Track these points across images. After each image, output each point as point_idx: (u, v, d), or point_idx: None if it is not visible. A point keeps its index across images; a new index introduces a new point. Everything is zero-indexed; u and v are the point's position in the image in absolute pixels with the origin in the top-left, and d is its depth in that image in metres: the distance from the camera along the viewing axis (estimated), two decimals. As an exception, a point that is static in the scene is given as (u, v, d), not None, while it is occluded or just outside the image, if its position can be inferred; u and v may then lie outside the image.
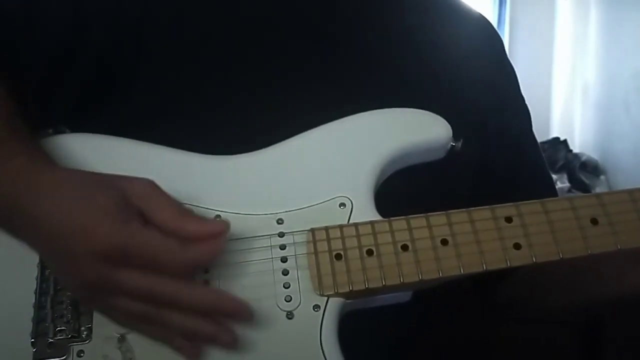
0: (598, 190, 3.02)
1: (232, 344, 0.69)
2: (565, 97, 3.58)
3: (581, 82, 3.49)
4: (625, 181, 3.05)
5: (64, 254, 0.67)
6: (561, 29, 3.63)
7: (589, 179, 3.10)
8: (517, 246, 0.73)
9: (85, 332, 0.72)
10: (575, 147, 3.42)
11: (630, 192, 0.75)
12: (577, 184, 3.07)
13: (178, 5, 0.85)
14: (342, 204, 0.76)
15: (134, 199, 0.67)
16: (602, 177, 3.14)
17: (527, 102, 1.02)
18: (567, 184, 3.06)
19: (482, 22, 1.02)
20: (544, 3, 3.68)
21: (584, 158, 3.21)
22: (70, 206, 0.66)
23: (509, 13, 3.67)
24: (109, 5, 0.83)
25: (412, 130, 0.80)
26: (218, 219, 0.74)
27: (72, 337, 0.72)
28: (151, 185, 0.69)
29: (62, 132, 0.83)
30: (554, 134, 3.46)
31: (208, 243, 0.67)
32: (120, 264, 0.65)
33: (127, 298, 0.67)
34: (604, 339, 1.49)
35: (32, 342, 0.72)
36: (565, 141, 3.37)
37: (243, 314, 0.69)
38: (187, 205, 0.74)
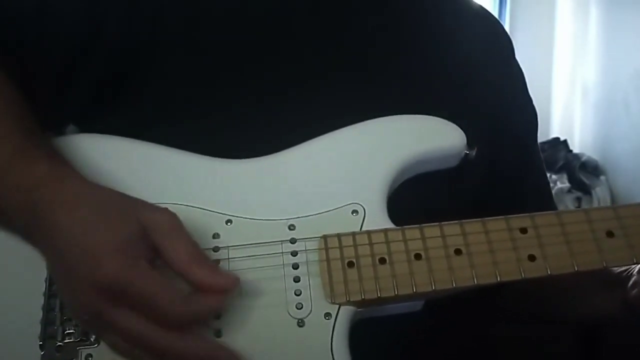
0: (598, 190, 3.03)
1: None
2: (565, 97, 3.59)
3: (581, 82, 3.50)
4: (625, 181, 3.06)
5: (68, 274, 0.65)
6: (561, 29, 3.63)
7: (589, 179, 3.11)
8: (531, 258, 0.72)
9: (93, 336, 0.71)
10: (575, 147, 3.43)
11: None
12: (577, 184, 3.07)
13: (192, 8, 0.84)
14: (355, 211, 0.76)
15: (152, 233, 0.65)
16: (602, 177, 3.15)
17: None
18: (567, 184, 3.06)
19: (490, 20, 1.02)
20: (544, 3, 3.69)
21: (584, 158, 3.22)
22: (86, 227, 0.65)
23: (509, 13, 3.68)
24: (124, 5, 0.82)
25: (426, 137, 0.79)
26: (229, 273, 0.71)
27: (80, 340, 0.71)
28: (172, 221, 0.67)
29: (63, 133, 0.82)
30: (554, 134, 3.47)
31: (213, 297, 0.65)
32: (118, 300, 0.63)
33: (117, 335, 0.65)
34: (603, 340, 1.50)
35: (41, 345, 0.71)
36: (565, 141, 3.38)
37: None
38: (198, 209, 0.74)
